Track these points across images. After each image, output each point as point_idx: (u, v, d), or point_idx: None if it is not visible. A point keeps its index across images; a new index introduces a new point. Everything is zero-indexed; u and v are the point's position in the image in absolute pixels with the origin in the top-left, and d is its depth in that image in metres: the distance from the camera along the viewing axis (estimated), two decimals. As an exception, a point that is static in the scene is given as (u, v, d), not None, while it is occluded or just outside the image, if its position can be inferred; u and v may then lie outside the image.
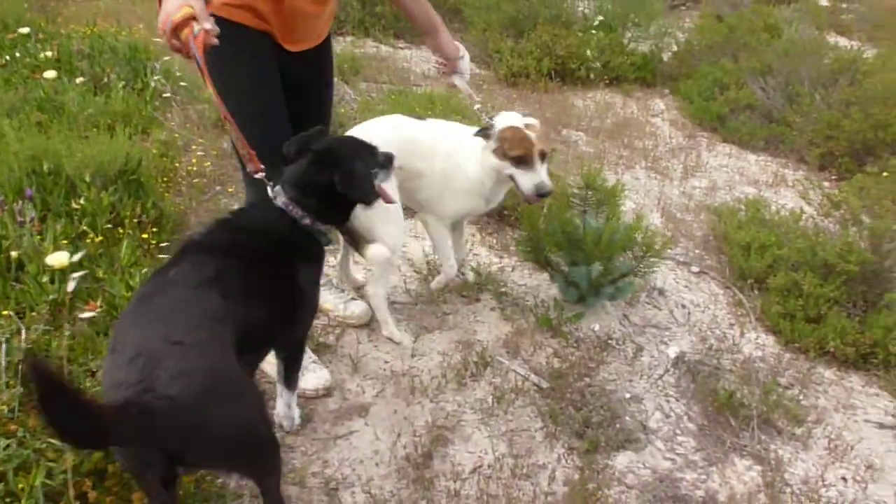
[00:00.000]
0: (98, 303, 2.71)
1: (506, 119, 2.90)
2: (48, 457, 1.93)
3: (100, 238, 3.16)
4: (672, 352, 3.18)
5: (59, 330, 2.53)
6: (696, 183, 5.01)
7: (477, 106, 3.03)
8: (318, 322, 3.04)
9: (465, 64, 3.01)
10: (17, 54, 5.24)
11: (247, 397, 1.76)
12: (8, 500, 1.80)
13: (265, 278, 2.03)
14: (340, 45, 6.79)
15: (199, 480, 2.16)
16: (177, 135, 4.61)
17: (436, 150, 3.01)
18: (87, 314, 2.54)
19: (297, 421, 2.54)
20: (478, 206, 3.12)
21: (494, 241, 3.95)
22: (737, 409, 2.86)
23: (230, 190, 4.15)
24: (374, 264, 2.96)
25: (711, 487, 2.54)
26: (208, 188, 4.16)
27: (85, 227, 3.19)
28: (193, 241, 2.05)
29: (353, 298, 3.15)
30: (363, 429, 2.60)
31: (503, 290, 3.45)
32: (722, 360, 3.16)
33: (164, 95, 5.09)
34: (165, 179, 4.02)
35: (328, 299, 3.05)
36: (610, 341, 3.21)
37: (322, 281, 2.43)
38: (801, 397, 2.99)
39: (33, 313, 2.55)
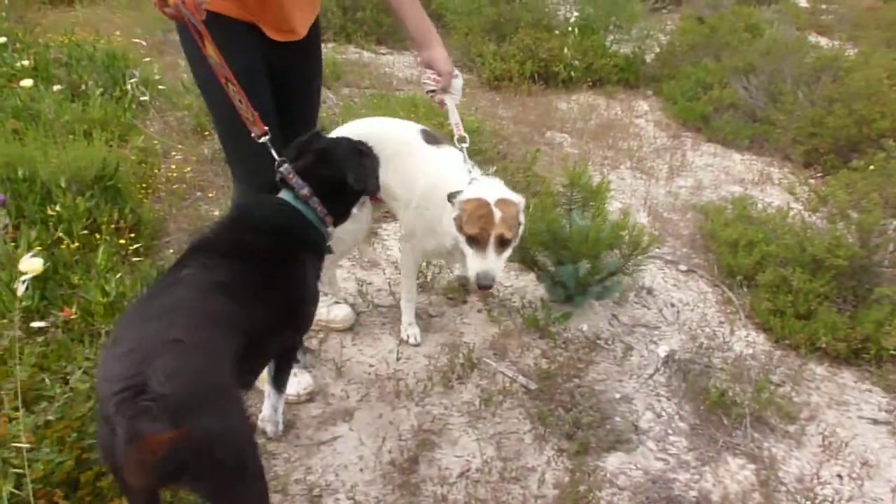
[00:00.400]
0: (73, 309, 2.63)
1: (482, 188, 2.49)
2: (14, 465, 1.84)
3: (76, 244, 3.09)
4: (662, 351, 3.13)
5: (31, 337, 2.46)
6: (682, 182, 4.98)
7: (464, 143, 2.64)
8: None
9: (458, 84, 2.71)
10: (-7, 64, 5.16)
11: (236, 412, 1.67)
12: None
13: (276, 281, 2.00)
14: (323, 51, 6.74)
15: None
16: (156, 141, 4.54)
17: (416, 180, 2.76)
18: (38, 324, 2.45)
19: (281, 427, 2.47)
20: (447, 248, 2.74)
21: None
22: (729, 407, 2.81)
23: (210, 195, 4.07)
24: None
25: (705, 487, 2.49)
26: (188, 194, 4.09)
27: (60, 234, 3.12)
28: (205, 241, 2.00)
29: (336, 302, 3.08)
30: (347, 434, 2.53)
31: (491, 293, 3.39)
32: (713, 359, 3.12)
33: (143, 101, 5.01)
34: (144, 186, 3.95)
35: None
36: (599, 341, 3.16)
37: None
38: (793, 394, 2.95)
39: (4, 320, 2.46)
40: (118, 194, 3.54)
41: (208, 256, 1.92)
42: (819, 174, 5.12)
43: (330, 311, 3.02)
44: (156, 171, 4.18)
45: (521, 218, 2.50)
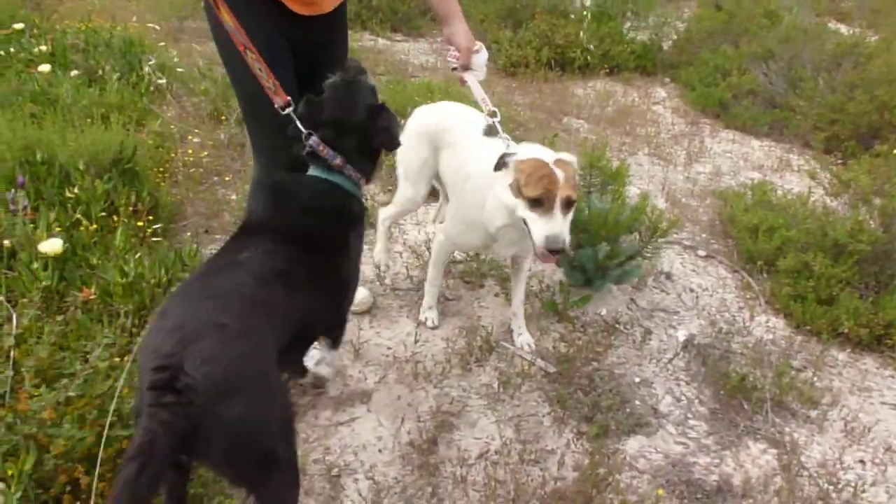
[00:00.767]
0: (91, 289, 2.64)
1: (532, 150, 2.40)
2: (40, 442, 1.85)
3: (94, 226, 3.09)
4: (681, 335, 3.10)
5: (51, 316, 2.47)
6: (700, 168, 4.93)
7: (495, 118, 2.53)
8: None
9: (481, 60, 2.61)
10: (12, 49, 5.18)
11: (271, 401, 1.65)
12: (-4, 486, 1.72)
13: (329, 265, 2.01)
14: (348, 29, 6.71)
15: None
16: (172, 126, 4.54)
17: (465, 169, 2.66)
18: None
19: (334, 371, 2.53)
20: (480, 242, 2.68)
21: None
22: (749, 392, 2.79)
23: (227, 179, 4.07)
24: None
25: (725, 471, 2.47)
26: (205, 178, 4.09)
27: (79, 216, 3.12)
28: (262, 223, 2.01)
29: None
30: (366, 415, 2.53)
31: (507, 274, 3.37)
32: (732, 344, 3.09)
33: (160, 86, 5.02)
34: (161, 170, 3.96)
35: None
36: (617, 325, 3.14)
37: None
38: (814, 380, 2.92)
39: (24, 300, 2.47)
40: (136, 177, 3.54)
41: (267, 240, 1.91)
42: (840, 161, 5.05)
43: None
44: (172, 155, 4.18)
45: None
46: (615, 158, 4.70)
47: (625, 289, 3.38)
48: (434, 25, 7.99)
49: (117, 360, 2.29)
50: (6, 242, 2.83)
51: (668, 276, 3.55)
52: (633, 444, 2.53)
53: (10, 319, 2.30)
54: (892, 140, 4.57)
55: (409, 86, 5.34)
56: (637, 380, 2.84)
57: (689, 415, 2.71)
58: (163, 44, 5.84)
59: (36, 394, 2.01)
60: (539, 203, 2.24)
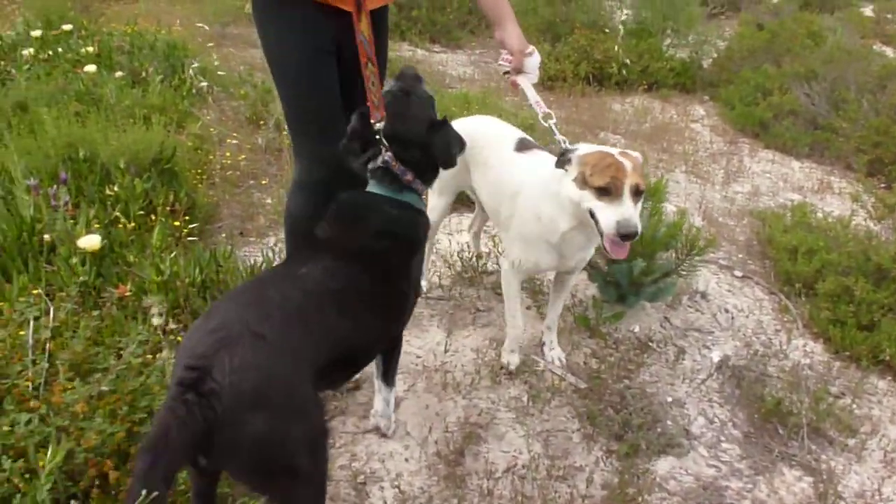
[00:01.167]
0: (127, 286, 2.67)
1: (593, 147, 2.37)
2: (71, 434, 1.86)
3: (132, 224, 3.14)
4: (716, 356, 3.04)
5: (87, 311, 2.50)
6: (739, 188, 4.85)
7: (550, 120, 2.44)
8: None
9: (534, 63, 2.53)
10: (60, 49, 5.30)
11: (299, 416, 1.63)
12: (27, 476, 1.74)
13: (390, 289, 1.99)
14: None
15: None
16: (212, 129, 4.60)
17: (504, 190, 2.63)
18: None
19: (394, 424, 2.44)
20: (547, 260, 2.58)
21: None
22: (785, 416, 2.72)
23: (263, 183, 4.11)
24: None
25: (758, 497, 2.41)
26: (241, 181, 4.13)
27: (118, 213, 3.17)
28: (322, 238, 2.00)
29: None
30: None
31: (539, 287, 3.34)
32: (768, 367, 3.02)
33: (201, 89, 5.09)
34: (199, 171, 4.00)
35: None
36: (650, 343, 3.08)
37: None
38: (853, 407, 2.84)
39: (62, 293, 2.51)
40: (174, 178, 3.59)
41: (329, 258, 1.90)
42: (883, 184, 4.93)
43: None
44: (210, 157, 4.24)
45: None
46: (652, 175, 4.65)
47: (658, 306, 3.33)
48: (472, 38, 8.02)
49: (150, 357, 2.31)
50: (47, 237, 2.88)
51: (704, 295, 3.49)
52: (663, 465, 2.48)
53: (47, 312, 2.34)
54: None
55: (447, 96, 5.35)
56: (669, 399, 2.79)
57: (722, 437, 2.65)
58: (211, 45, 5.93)
59: (69, 387, 2.03)
60: (606, 191, 2.19)
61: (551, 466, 2.39)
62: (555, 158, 2.52)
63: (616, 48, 6.76)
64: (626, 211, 2.16)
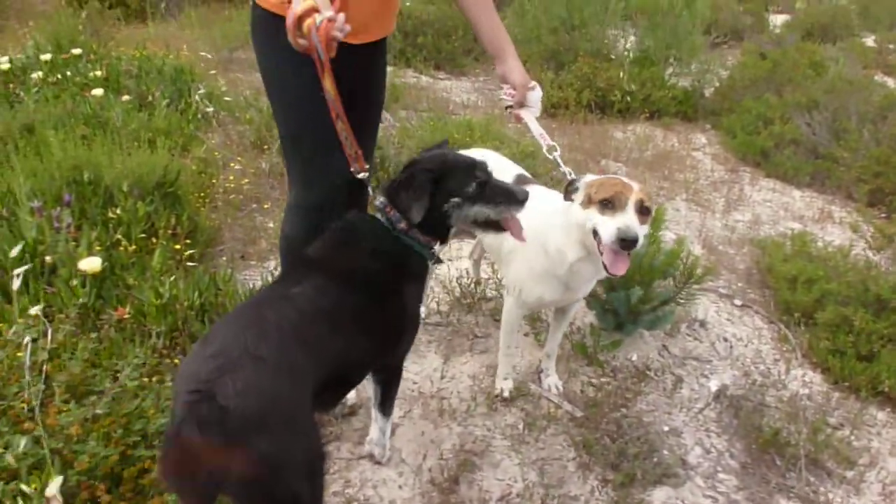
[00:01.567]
0: (126, 309, 2.69)
1: (601, 176, 2.40)
2: (65, 458, 1.87)
3: (133, 247, 3.16)
4: (713, 385, 3.03)
5: (85, 333, 2.51)
6: (739, 216, 4.86)
7: (555, 152, 2.49)
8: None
9: (536, 97, 2.57)
10: (69, 73, 5.38)
11: (299, 441, 1.63)
12: (19, 500, 1.74)
13: (381, 311, 1.98)
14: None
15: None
16: (216, 153, 4.64)
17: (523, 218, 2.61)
18: None
19: (388, 451, 2.44)
20: (553, 294, 2.55)
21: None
22: (783, 447, 2.70)
23: (266, 207, 4.14)
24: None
25: (755, 529, 2.39)
26: (244, 205, 4.17)
27: (119, 236, 3.19)
28: (321, 258, 2.00)
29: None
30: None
31: (538, 315, 3.34)
32: (766, 397, 3.00)
33: (206, 114, 5.15)
34: (202, 195, 4.04)
35: None
36: (648, 372, 3.08)
37: None
38: (852, 438, 2.82)
39: (61, 315, 2.52)
40: (177, 201, 3.62)
41: (321, 277, 1.91)
42: (884, 214, 4.93)
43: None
44: (214, 181, 4.27)
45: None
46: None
47: (657, 335, 3.33)
48: (476, 65, 8.10)
49: (146, 380, 2.32)
50: (48, 258, 2.90)
51: (703, 324, 3.48)
52: (659, 495, 2.46)
53: (45, 334, 2.35)
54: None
55: (450, 122, 5.40)
56: (666, 428, 2.78)
57: (719, 468, 2.63)
58: (213, 72, 6.01)
59: (65, 409, 2.04)
60: (610, 204, 2.20)
61: (546, 495, 2.38)
62: (553, 192, 2.55)
63: (621, 75, 6.82)
64: (628, 219, 2.16)
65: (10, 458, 1.83)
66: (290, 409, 1.60)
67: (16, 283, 2.38)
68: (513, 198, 2.06)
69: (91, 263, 2.76)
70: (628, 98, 6.75)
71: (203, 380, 1.51)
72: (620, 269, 2.22)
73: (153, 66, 5.63)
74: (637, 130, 6.44)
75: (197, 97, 5.21)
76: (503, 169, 2.80)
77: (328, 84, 1.98)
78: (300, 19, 1.84)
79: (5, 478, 1.81)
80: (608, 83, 6.77)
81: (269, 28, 2.16)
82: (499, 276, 3.47)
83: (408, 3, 8.41)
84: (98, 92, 4.76)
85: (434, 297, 3.43)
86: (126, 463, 1.98)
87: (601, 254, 2.25)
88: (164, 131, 4.48)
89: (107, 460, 1.93)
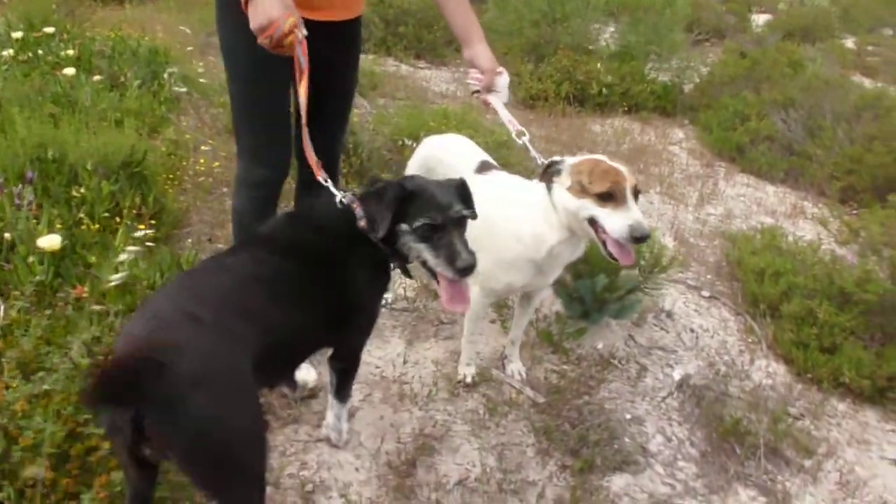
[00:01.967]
0: (85, 287, 2.64)
1: (581, 157, 2.35)
2: (10, 433, 1.83)
3: (96, 226, 3.11)
4: (677, 374, 3.04)
5: (40, 310, 2.47)
6: (712, 210, 4.89)
7: (524, 137, 2.47)
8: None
9: (503, 82, 2.55)
10: (40, 52, 5.27)
11: (238, 402, 1.61)
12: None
13: (320, 283, 1.94)
14: (361, 62, 6.78)
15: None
16: (187, 135, 4.58)
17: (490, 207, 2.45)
18: None
19: (346, 435, 2.41)
20: (524, 279, 2.51)
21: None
22: (743, 436, 2.71)
23: (235, 190, 4.09)
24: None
25: (712, 516, 2.39)
26: (214, 188, 4.11)
27: (82, 215, 3.14)
28: (258, 234, 2.00)
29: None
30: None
31: (504, 301, 3.34)
32: (729, 387, 3.02)
33: (179, 94, 5.09)
34: (171, 177, 3.98)
35: None
36: (613, 360, 3.08)
37: None
38: (812, 429, 2.84)
39: (17, 292, 2.48)
40: (143, 181, 3.56)
41: (258, 250, 1.91)
42: (854, 211, 4.98)
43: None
44: (184, 163, 4.22)
45: None
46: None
47: (624, 324, 3.33)
48: (457, 55, 8.05)
49: (101, 358, 2.28)
50: (7, 235, 2.85)
51: (670, 314, 3.49)
52: (618, 482, 2.46)
53: (-2, 310, 2.31)
54: (909, 193, 4.50)
55: (426, 111, 5.36)
56: (628, 416, 2.78)
57: (679, 456, 2.64)
58: (190, 49, 5.94)
59: (13, 385, 2.00)
60: (610, 197, 2.17)
61: (503, 480, 2.37)
62: (516, 177, 2.53)
63: (598, 65, 6.82)
64: (636, 215, 2.16)
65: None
66: (227, 367, 1.59)
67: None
68: (452, 261, 1.91)
69: (50, 241, 2.71)
70: (605, 91, 6.75)
71: (135, 340, 1.52)
72: (629, 259, 2.23)
73: (127, 48, 5.54)
74: (615, 124, 6.45)
75: (166, 75, 5.13)
76: (466, 156, 2.78)
77: (302, 91, 1.99)
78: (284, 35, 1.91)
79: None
80: (587, 76, 6.77)
81: (229, 1, 2.13)
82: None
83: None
84: (69, 71, 4.67)
85: (401, 283, 3.41)
86: (75, 440, 1.94)
87: (603, 243, 2.24)
88: (134, 112, 4.41)
89: (54, 436, 1.89)
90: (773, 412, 2.84)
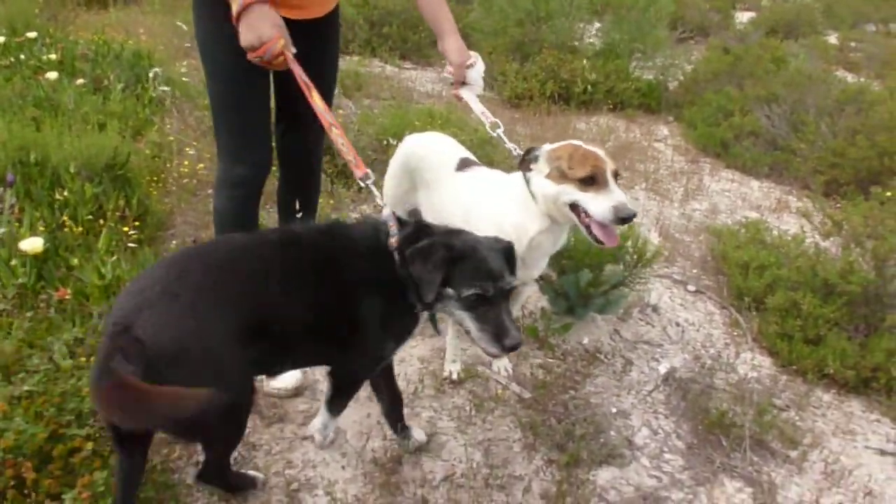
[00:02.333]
0: (68, 290, 2.63)
1: (558, 143, 2.36)
2: (-11, 435, 1.83)
3: (80, 228, 3.09)
4: (663, 368, 3.05)
5: (23, 313, 2.45)
6: (697, 206, 4.91)
7: (498, 129, 2.47)
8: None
9: (476, 73, 2.54)
10: (23, 56, 5.25)
11: (214, 380, 1.60)
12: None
13: (321, 286, 1.90)
14: (346, 63, 6.77)
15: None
16: (171, 137, 4.57)
17: (451, 212, 2.54)
18: None
19: (331, 436, 2.38)
20: None
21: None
22: (728, 428, 2.73)
23: (220, 192, 4.08)
24: None
25: (698, 508, 2.40)
26: (199, 190, 4.10)
27: (65, 218, 3.12)
28: (272, 238, 2.01)
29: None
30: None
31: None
32: (715, 379, 3.03)
33: (162, 95, 5.07)
34: (155, 179, 3.97)
35: None
36: (598, 355, 3.09)
37: None
38: (797, 420, 2.86)
39: (-2, 295, 2.47)
40: (127, 184, 3.55)
41: (274, 233, 2.03)
42: (838, 205, 5.01)
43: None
44: (168, 165, 4.20)
45: None
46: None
47: (609, 319, 3.34)
48: (442, 56, 8.07)
49: (83, 360, 2.27)
50: (-12, 239, 2.83)
51: (655, 308, 3.50)
52: (604, 475, 2.47)
53: (-22, 313, 2.30)
54: (892, 186, 4.53)
55: (411, 111, 5.36)
56: (614, 410, 2.79)
57: (665, 448, 2.65)
58: (175, 50, 5.91)
59: (-7, 387, 1.99)
60: (592, 180, 2.19)
61: (490, 475, 2.37)
62: (495, 171, 2.54)
63: (583, 64, 6.84)
64: (619, 196, 2.18)
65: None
66: (202, 344, 1.65)
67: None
68: (500, 339, 1.86)
69: (32, 244, 2.71)
70: (590, 89, 6.77)
71: (124, 314, 1.59)
72: (614, 241, 2.26)
73: (111, 51, 5.52)
74: (600, 122, 6.47)
75: (151, 75, 5.10)
76: (448, 153, 2.78)
77: (316, 98, 2.06)
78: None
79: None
80: (572, 74, 6.79)
81: (207, 2, 2.13)
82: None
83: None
84: (52, 75, 4.65)
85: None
86: (57, 441, 1.93)
87: (586, 227, 2.25)
88: (117, 115, 4.40)
89: (35, 438, 1.88)
90: (759, 404, 2.85)
